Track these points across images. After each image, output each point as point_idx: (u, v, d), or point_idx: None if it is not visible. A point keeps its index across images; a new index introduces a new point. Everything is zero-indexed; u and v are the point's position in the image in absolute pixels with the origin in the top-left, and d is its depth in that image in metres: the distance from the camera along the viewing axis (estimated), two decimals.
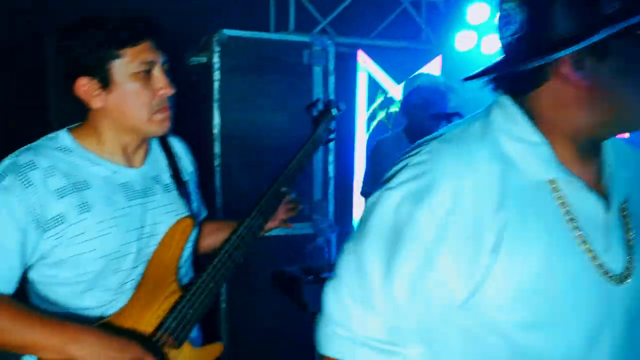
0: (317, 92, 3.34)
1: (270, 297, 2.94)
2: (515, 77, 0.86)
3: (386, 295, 0.86)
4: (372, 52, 3.64)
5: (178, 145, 1.60)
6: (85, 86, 1.31)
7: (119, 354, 1.24)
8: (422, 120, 2.82)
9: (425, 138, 0.93)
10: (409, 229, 0.83)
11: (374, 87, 3.67)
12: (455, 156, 0.84)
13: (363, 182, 3.11)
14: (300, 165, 1.66)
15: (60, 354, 1.22)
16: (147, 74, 1.32)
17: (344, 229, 3.64)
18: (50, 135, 1.36)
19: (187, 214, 1.48)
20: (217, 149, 3.09)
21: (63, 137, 1.36)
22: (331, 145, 3.39)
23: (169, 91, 1.34)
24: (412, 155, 0.89)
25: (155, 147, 1.51)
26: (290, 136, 3.29)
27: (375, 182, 2.83)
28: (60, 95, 2.65)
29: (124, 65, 1.30)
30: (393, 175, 0.89)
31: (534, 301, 0.80)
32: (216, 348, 1.50)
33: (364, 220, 0.91)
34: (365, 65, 3.64)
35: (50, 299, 1.34)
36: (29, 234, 1.24)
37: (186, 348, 1.42)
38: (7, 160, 1.28)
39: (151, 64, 1.32)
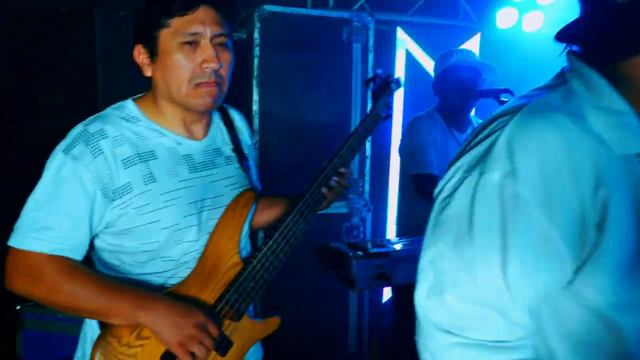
0: (356, 70, 3.31)
1: (304, 275, 2.95)
2: (615, 44, 0.81)
3: (510, 289, 0.78)
4: (410, 30, 3.58)
5: (238, 118, 1.59)
6: (140, 54, 1.33)
7: (183, 319, 1.26)
8: (457, 98, 2.77)
9: (497, 113, 0.86)
10: (518, 212, 0.77)
11: (412, 65, 3.62)
12: (547, 130, 0.78)
13: (401, 162, 3.07)
14: (359, 143, 1.64)
15: (128, 319, 1.25)
16: (192, 45, 1.29)
17: (378, 208, 3.62)
18: (117, 105, 1.37)
19: (248, 186, 1.47)
20: (255, 125, 3.08)
21: (130, 106, 1.36)
22: None
23: (214, 65, 1.29)
24: (495, 133, 0.82)
25: (217, 120, 1.51)
26: (329, 113, 3.30)
27: (411, 161, 2.79)
28: (108, 67, 2.67)
29: (170, 35, 1.28)
30: (481, 158, 0.82)
31: (635, 279, 0.78)
32: (274, 321, 1.51)
33: (458, 212, 0.82)
34: (404, 43, 3.58)
35: (114, 266, 1.36)
36: (97, 202, 1.25)
37: (245, 321, 1.44)
38: (77, 129, 1.29)
39: (198, 35, 1.28)
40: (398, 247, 1.97)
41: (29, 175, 1.32)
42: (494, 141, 0.81)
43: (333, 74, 3.18)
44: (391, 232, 3.81)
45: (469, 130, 2.89)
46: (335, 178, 1.55)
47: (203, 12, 1.29)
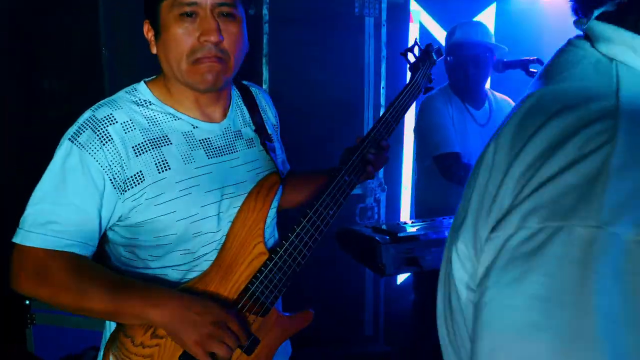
0: (369, 45, 3.18)
1: (319, 258, 2.86)
2: None
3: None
4: (423, 2, 3.44)
5: (261, 96, 1.48)
6: (147, 31, 1.22)
7: (200, 317, 1.15)
8: (463, 76, 2.65)
9: (554, 106, 0.60)
10: None
11: (426, 39, 3.48)
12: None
13: (419, 143, 2.94)
14: (397, 117, 1.52)
15: (139, 319, 1.15)
16: (193, 17, 1.16)
17: (391, 189, 3.53)
18: (128, 88, 1.26)
19: (272, 170, 1.36)
20: None
21: (142, 89, 1.25)
22: (382, 101, 3.25)
23: (213, 38, 1.15)
24: (590, 156, 0.52)
25: (237, 100, 1.40)
26: (342, 89, 3.18)
27: (432, 141, 2.67)
28: (113, 48, 2.55)
29: (168, 7, 1.16)
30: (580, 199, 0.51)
31: None
32: (306, 316, 1.41)
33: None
34: (418, 15, 3.44)
35: (130, 260, 1.26)
36: (106, 194, 1.15)
37: (273, 315, 1.33)
38: (85, 115, 1.18)
39: (196, 5, 1.15)
40: (424, 230, 1.87)
41: (36, 166, 1.22)
42: (598, 172, 0.50)
43: (345, 49, 3.07)
44: (405, 213, 3.72)
45: (486, 105, 2.76)
46: (372, 152, 1.43)
47: None
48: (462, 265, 0.62)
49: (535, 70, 2.27)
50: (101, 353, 1.28)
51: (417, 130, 2.86)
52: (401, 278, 3.66)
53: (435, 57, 1.63)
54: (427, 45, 1.65)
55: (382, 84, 3.22)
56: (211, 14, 1.16)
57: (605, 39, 0.61)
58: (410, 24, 3.43)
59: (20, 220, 1.14)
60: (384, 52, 3.19)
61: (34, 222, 1.12)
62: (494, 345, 0.51)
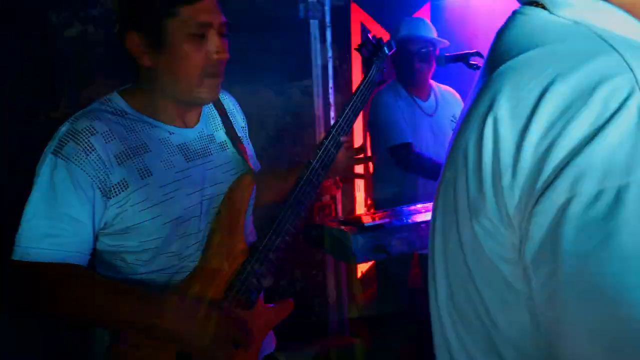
0: (315, 47, 3.27)
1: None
2: None
3: None
4: (363, 3, 3.57)
5: (227, 100, 1.54)
6: (135, 42, 1.23)
7: (198, 316, 1.21)
8: (410, 70, 2.79)
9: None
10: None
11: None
12: None
13: (371, 136, 3.07)
14: (356, 112, 1.61)
15: (141, 324, 1.19)
16: (202, 35, 1.23)
17: (345, 185, 3.63)
18: (102, 99, 1.29)
19: (245, 170, 1.43)
20: None
21: (116, 100, 1.29)
22: (331, 99, 3.34)
23: (224, 56, 1.26)
24: (609, 77, 0.54)
25: (208, 105, 1.45)
26: (291, 94, 3.25)
27: (385, 134, 2.79)
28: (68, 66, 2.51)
29: (178, 25, 1.21)
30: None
31: None
32: (288, 304, 1.48)
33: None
34: (358, 16, 3.57)
35: (116, 267, 1.30)
36: (96, 202, 1.18)
37: (259, 307, 1.40)
38: (63, 127, 1.20)
39: (207, 25, 1.22)
40: (387, 218, 1.98)
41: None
42: (637, 125, 0.51)
43: (291, 53, 3.13)
44: (360, 207, 3.83)
45: (431, 96, 2.91)
46: (334, 152, 1.52)
47: (208, 1, 1.22)
48: (492, 239, 0.60)
49: (475, 63, 2.41)
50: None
51: (370, 124, 2.98)
52: (360, 270, 3.77)
53: (387, 51, 1.73)
54: (378, 40, 1.74)
55: (330, 83, 3.32)
56: (218, 33, 1.24)
57: (567, 4, 0.63)
58: (352, 24, 3.55)
59: (16, 238, 1.15)
60: (329, 53, 3.29)
61: (30, 238, 1.14)
62: (595, 319, 0.49)
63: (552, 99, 0.54)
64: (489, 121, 0.59)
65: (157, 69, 1.25)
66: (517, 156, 0.55)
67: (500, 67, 0.62)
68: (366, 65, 1.72)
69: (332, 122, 3.36)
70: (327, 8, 3.22)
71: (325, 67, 3.29)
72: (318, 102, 3.34)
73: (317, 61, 3.28)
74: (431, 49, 2.75)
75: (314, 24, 3.25)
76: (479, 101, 0.63)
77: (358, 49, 1.74)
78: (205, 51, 1.23)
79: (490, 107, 0.60)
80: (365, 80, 1.67)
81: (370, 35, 1.75)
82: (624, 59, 0.53)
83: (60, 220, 1.15)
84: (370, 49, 1.71)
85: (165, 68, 1.25)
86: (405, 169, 2.67)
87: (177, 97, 1.30)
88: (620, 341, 0.47)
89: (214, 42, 1.24)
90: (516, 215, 0.56)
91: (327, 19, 3.24)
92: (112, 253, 1.28)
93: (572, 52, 0.58)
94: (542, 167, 0.52)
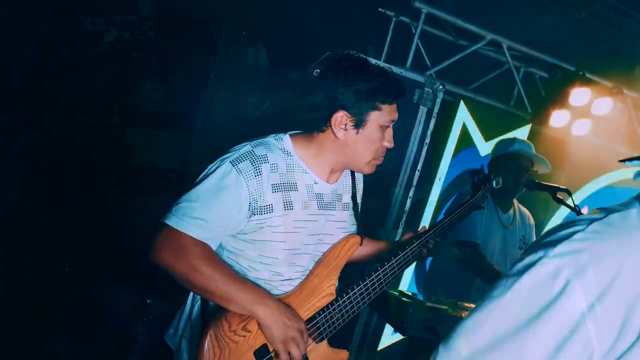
0: (417, 131, 3.52)
1: None
2: None
3: None
4: (470, 105, 3.78)
5: (359, 175, 1.80)
6: (341, 119, 1.52)
7: (290, 322, 1.47)
8: (511, 182, 2.96)
9: (581, 217, 0.94)
10: (561, 301, 0.82)
11: (465, 138, 3.81)
12: (617, 241, 0.86)
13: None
14: (453, 224, 1.86)
15: (246, 310, 1.44)
16: (387, 127, 1.56)
17: None
18: (277, 136, 1.58)
19: (354, 232, 1.68)
20: None
21: (287, 141, 1.58)
22: (414, 181, 3.56)
23: (391, 145, 1.59)
24: (568, 230, 0.89)
25: (347, 171, 1.72)
26: (382, 165, 3.46)
27: (460, 227, 2.97)
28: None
29: (378, 117, 1.53)
30: (548, 245, 0.87)
31: None
32: (344, 354, 1.69)
33: (506, 284, 0.87)
34: (463, 115, 3.78)
35: (229, 265, 1.55)
36: (242, 212, 1.45)
37: (323, 345, 1.62)
38: (244, 148, 1.50)
39: (392, 121, 1.57)
40: (444, 306, 2.14)
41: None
42: (563, 238, 0.88)
43: (395, 130, 3.38)
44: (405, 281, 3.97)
45: (511, 211, 3.08)
46: (431, 243, 1.77)
47: (395, 103, 1.57)
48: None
49: (561, 197, 2.55)
50: (171, 331, 1.62)
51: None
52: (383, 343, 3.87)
53: (494, 185, 1.98)
54: (489, 173, 2.02)
55: (419, 166, 3.55)
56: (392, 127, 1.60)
57: None
58: (455, 121, 3.76)
59: (174, 208, 1.42)
60: (427, 139, 3.54)
61: (186, 213, 1.41)
62: None
63: None
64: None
65: (346, 142, 1.55)
66: None
67: None
68: (473, 189, 1.97)
69: (407, 201, 3.58)
70: (438, 100, 3.49)
71: (419, 151, 3.54)
72: (402, 181, 3.57)
73: (414, 144, 3.54)
74: (530, 170, 2.93)
75: (422, 111, 3.52)
76: None
77: (470, 173, 1.99)
78: (381, 140, 1.56)
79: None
80: (470, 201, 1.93)
81: (482, 167, 2.01)
82: None
83: (212, 211, 1.42)
84: (482, 177, 1.97)
85: (353, 143, 1.55)
86: (467, 266, 2.85)
87: (346, 165, 1.60)
88: None
89: (389, 134, 1.57)
90: None
91: (436, 109, 3.51)
92: (232, 253, 1.55)
93: None
94: None
